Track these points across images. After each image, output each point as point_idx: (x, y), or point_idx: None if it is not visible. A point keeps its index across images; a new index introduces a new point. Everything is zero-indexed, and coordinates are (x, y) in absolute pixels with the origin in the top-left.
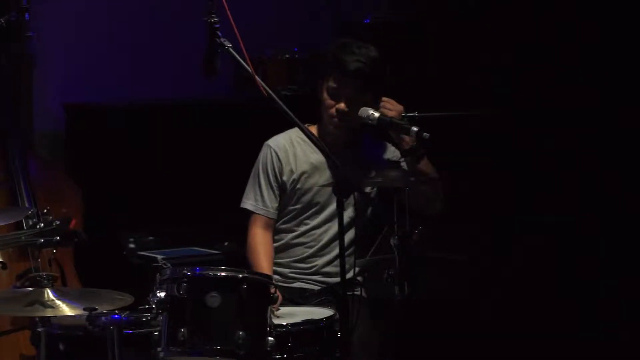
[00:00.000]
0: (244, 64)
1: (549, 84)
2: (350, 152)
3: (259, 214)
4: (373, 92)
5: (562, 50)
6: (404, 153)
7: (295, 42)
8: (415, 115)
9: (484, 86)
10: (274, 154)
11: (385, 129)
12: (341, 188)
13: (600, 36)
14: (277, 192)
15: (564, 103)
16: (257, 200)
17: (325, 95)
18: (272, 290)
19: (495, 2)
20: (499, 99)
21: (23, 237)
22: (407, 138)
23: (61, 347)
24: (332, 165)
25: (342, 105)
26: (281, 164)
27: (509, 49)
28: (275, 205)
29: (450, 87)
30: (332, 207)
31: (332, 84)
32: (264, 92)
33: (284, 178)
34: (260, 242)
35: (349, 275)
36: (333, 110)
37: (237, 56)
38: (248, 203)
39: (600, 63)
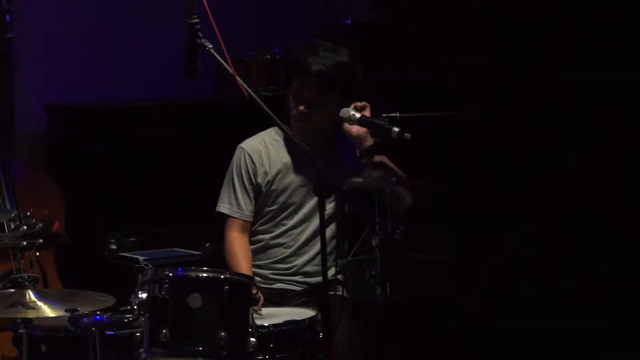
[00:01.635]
0: (225, 64)
1: (528, 83)
2: (326, 152)
3: (234, 217)
4: (337, 95)
5: (541, 50)
6: (362, 153)
7: (276, 43)
8: (396, 115)
9: (465, 86)
10: (247, 156)
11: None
12: (321, 188)
13: (581, 36)
14: (251, 194)
15: (544, 103)
16: (232, 203)
17: (290, 96)
18: (254, 291)
19: (474, 2)
20: (479, 99)
21: (6, 240)
22: (367, 139)
23: (43, 348)
24: (313, 164)
25: (301, 107)
26: (255, 166)
27: (488, 49)
28: (251, 207)
29: (431, 88)
30: (309, 206)
31: (294, 84)
32: (245, 92)
33: (259, 180)
34: (238, 245)
35: (330, 273)
36: (295, 112)
37: (218, 57)
38: (223, 206)
39: (583, 62)
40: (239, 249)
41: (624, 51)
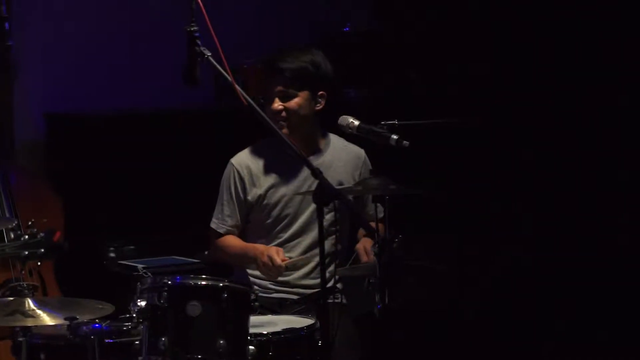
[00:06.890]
0: (224, 72)
1: (528, 92)
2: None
3: (220, 232)
4: (307, 91)
5: (542, 59)
6: None
7: (275, 50)
8: (395, 123)
9: (464, 95)
10: (236, 173)
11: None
12: (320, 195)
13: (582, 45)
14: (241, 210)
15: (544, 112)
16: (219, 218)
17: (266, 100)
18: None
19: (474, 10)
20: (479, 108)
21: (7, 249)
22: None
23: (42, 356)
24: (311, 171)
25: (274, 105)
26: (244, 182)
27: (488, 58)
28: (238, 223)
29: (430, 96)
30: (304, 216)
31: (266, 84)
32: (244, 101)
33: (249, 197)
34: (224, 239)
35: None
36: (272, 111)
37: (217, 65)
38: (212, 222)
39: (583, 70)
40: (226, 240)
41: (627, 56)
